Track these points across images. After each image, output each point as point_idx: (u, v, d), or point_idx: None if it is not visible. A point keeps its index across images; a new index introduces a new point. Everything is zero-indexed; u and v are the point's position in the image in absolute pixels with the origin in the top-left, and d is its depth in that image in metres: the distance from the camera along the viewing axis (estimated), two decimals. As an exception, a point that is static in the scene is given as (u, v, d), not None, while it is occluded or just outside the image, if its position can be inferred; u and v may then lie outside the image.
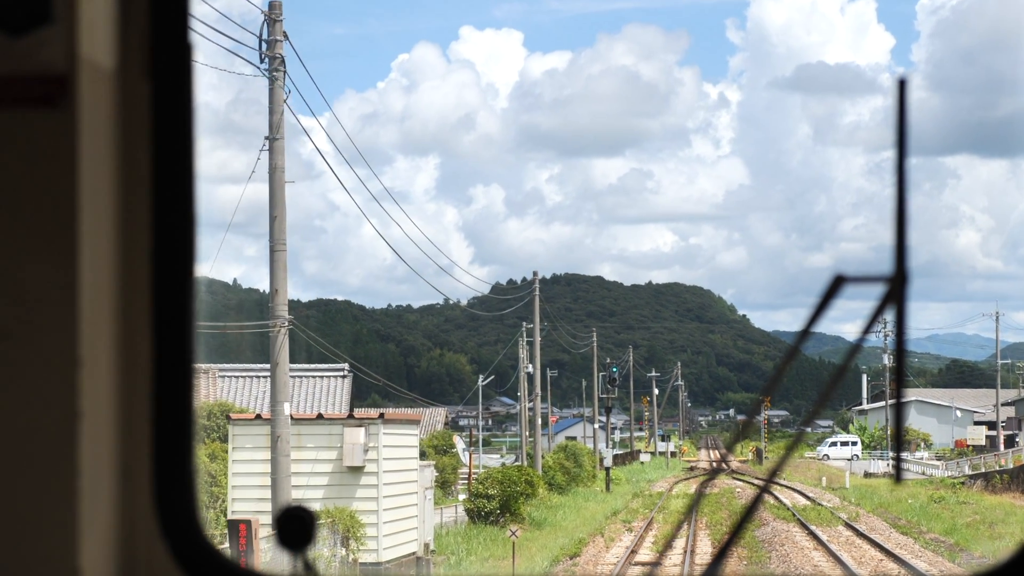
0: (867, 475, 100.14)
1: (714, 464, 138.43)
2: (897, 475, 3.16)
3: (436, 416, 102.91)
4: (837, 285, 3.05)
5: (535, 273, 77.46)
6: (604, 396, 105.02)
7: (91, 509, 3.05)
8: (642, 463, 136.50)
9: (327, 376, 73.79)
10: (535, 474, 63.77)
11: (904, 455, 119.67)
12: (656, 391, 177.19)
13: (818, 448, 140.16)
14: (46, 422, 3.00)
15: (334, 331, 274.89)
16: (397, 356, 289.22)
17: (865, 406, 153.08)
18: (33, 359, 3.00)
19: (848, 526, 52.56)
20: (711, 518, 56.77)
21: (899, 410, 3.31)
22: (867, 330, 3.10)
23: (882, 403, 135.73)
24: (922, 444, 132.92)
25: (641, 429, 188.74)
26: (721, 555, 3.36)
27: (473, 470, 77.18)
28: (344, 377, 74.80)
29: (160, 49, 3.17)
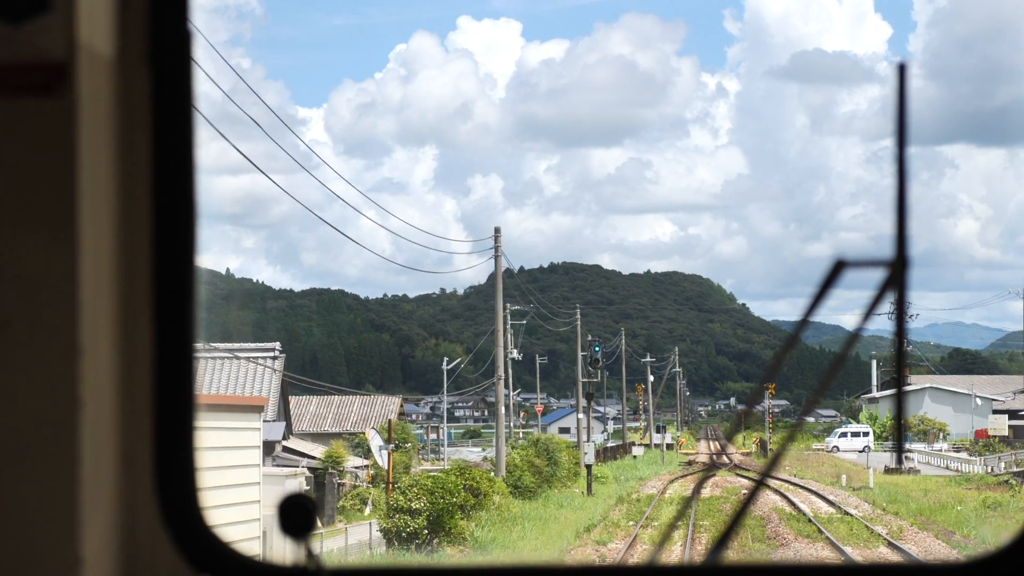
0: (888, 470, 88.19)
1: (714, 457, 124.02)
2: (898, 459, 3.14)
3: (389, 405, 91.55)
4: (838, 270, 3.04)
5: (496, 230, 66.49)
6: (586, 380, 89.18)
7: (93, 497, 3.05)
8: (634, 457, 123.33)
9: (255, 356, 66.46)
10: (484, 477, 52.44)
11: (921, 446, 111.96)
12: (651, 378, 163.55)
13: (827, 439, 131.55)
14: (47, 410, 2.99)
15: (328, 320, 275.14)
16: (392, 346, 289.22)
17: (875, 394, 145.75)
18: (34, 347, 3.00)
19: (893, 547, 41.88)
20: (713, 535, 43.49)
21: (900, 398, 3.31)
22: (868, 316, 3.10)
23: (894, 390, 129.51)
24: (940, 435, 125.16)
25: (635, 420, 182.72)
26: (716, 549, 3.36)
27: (423, 469, 64.90)
28: (275, 358, 67.66)
29: (159, 37, 3.17)
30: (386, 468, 52.26)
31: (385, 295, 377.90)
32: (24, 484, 3.00)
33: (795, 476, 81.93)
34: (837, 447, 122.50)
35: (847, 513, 53.10)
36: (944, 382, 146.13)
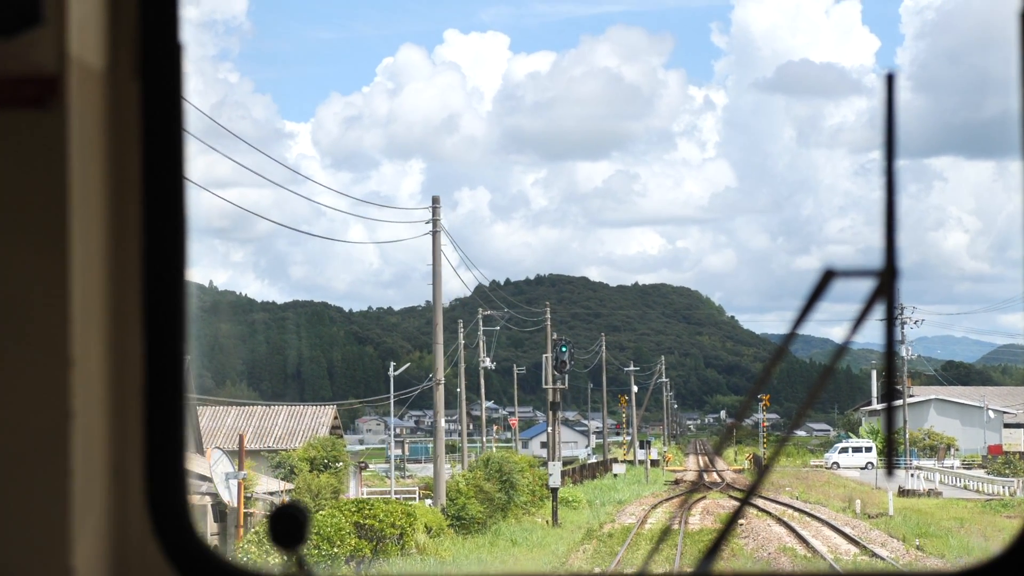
0: (903, 492, 78.15)
1: (703, 475, 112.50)
2: (888, 470, 3.15)
3: (321, 417, 78.48)
4: (827, 279, 3.05)
5: (435, 199, 57.16)
6: (551, 387, 73.31)
7: (83, 508, 3.05)
8: (615, 476, 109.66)
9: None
10: (400, 511, 42.46)
11: (931, 463, 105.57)
12: (635, 388, 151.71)
13: (826, 455, 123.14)
14: (38, 422, 3.00)
15: (310, 333, 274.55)
16: (375, 359, 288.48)
17: (876, 406, 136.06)
18: (25, 359, 3.00)
19: None
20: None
21: (890, 411, 3.32)
22: (857, 327, 3.10)
23: (897, 401, 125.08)
24: (949, 450, 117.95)
25: (618, 434, 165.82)
26: (707, 559, 3.35)
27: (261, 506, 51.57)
28: (181, 365, 62.26)
29: (150, 49, 3.18)
30: (236, 504, 38.83)
31: (370, 307, 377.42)
32: (15, 495, 3.00)
33: (798, 499, 72.44)
34: (837, 463, 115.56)
35: (876, 555, 42.95)
36: (950, 393, 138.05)
